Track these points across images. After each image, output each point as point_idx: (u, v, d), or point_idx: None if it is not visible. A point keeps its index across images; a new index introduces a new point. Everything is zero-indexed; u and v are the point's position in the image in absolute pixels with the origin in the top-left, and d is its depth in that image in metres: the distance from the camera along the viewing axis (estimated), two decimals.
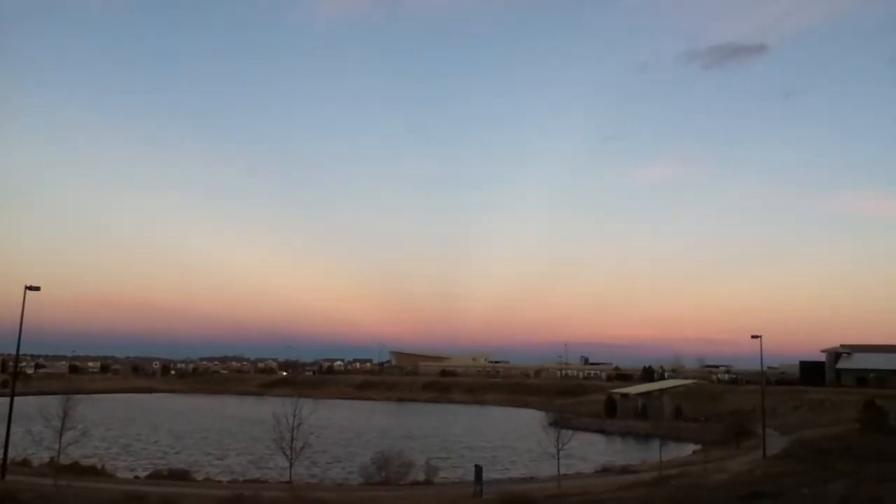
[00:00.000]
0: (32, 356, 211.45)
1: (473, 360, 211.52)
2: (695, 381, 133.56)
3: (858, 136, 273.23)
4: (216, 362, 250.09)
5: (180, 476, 45.77)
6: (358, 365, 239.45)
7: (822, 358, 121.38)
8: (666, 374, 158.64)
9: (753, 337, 57.08)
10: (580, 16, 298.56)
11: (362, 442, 73.43)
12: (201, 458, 61.03)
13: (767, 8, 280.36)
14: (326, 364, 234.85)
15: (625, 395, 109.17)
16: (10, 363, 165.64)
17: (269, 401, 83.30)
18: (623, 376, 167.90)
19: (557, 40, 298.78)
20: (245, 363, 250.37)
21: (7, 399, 42.81)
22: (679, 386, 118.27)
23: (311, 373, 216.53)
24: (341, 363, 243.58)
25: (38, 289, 40.47)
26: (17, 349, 45.01)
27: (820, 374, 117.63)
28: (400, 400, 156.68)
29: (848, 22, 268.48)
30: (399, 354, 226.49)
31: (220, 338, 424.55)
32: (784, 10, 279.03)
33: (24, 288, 40.27)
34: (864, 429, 58.51)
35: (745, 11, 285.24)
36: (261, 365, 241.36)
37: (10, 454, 41.25)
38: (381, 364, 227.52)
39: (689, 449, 66.29)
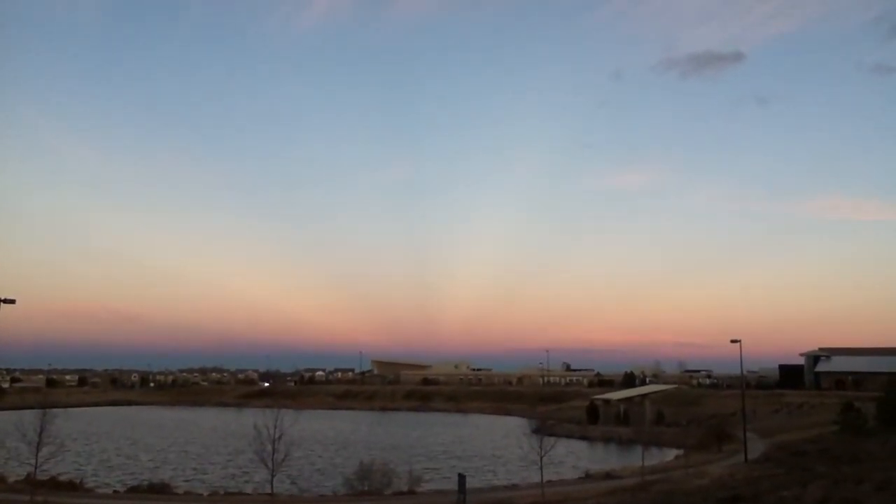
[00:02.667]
0: (8, 370, 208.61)
1: (455, 367, 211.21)
2: (675, 385, 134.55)
3: (833, 142, 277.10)
4: (196, 374, 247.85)
5: (160, 490, 45.32)
6: (339, 375, 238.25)
7: (801, 361, 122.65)
8: (647, 380, 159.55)
9: (733, 341, 57.48)
10: (556, 24, 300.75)
11: (344, 453, 73.04)
12: (181, 471, 60.37)
13: (744, 16, 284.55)
14: (307, 374, 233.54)
15: (607, 401, 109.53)
16: None
17: (249, 412, 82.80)
18: (604, 382, 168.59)
19: (533, 48, 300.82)
20: (225, 374, 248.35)
21: None
22: (660, 391, 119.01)
23: (292, 383, 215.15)
24: (322, 373, 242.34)
25: (13, 301, 39.76)
26: None
27: (799, 377, 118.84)
28: (381, 409, 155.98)
29: (823, 29, 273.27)
30: (380, 363, 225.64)
31: (200, 349, 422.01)
32: (761, 17, 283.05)
33: None
34: (842, 431, 59.08)
35: (722, 19, 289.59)
36: (241, 376, 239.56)
37: None
38: (363, 373, 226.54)
39: (671, 454, 66.63)
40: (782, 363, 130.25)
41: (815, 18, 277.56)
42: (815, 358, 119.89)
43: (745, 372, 67.34)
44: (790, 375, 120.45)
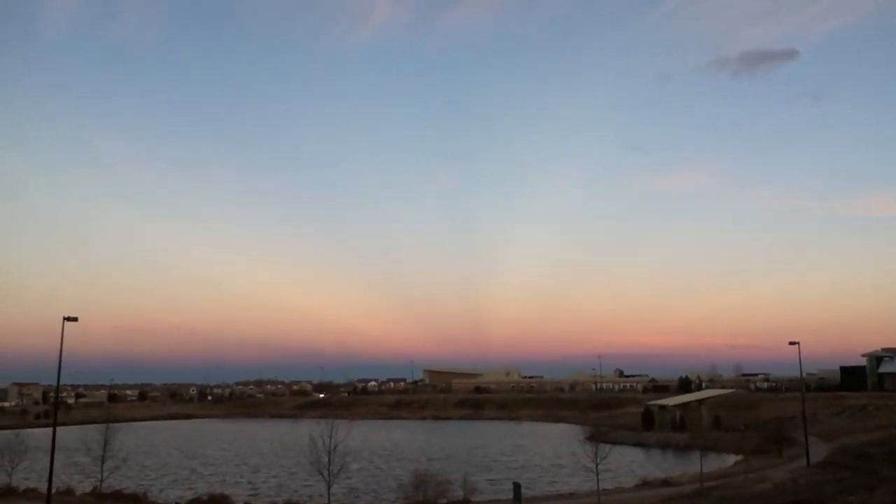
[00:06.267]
0: (72, 386, 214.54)
1: (506, 375, 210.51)
2: (732, 390, 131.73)
3: (888, 139, 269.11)
4: (251, 386, 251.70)
5: (219, 501, 46.11)
6: (391, 385, 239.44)
7: (863, 362, 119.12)
8: (703, 384, 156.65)
9: (791, 343, 56.23)
10: (605, 29, 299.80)
11: (399, 462, 73.37)
12: (239, 482, 61.41)
13: (799, 13, 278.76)
14: (360, 385, 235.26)
15: (662, 407, 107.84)
16: (52, 394, 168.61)
17: (304, 423, 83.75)
18: (659, 388, 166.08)
19: (581, 53, 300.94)
20: (280, 386, 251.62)
21: (50, 430, 43.57)
22: (717, 395, 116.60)
23: (346, 394, 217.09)
24: (375, 383, 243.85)
25: (75, 319, 41.11)
26: (58, 380, 45.75)
27: (861, 378, 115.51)
28: (434, 418, 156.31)
29: (878, 24, 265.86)
30: (431, 372, 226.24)
31: (255, 362, 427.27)
32: (816, 14, 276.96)
33: (62, 319, 41.06)
34: None
35: (776, 17, 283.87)
36: (295, 387, 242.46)
37: (54, 484, 41.90)
38: (415, 383, 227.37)
39: (729, 460, 65.35)
40: (843, 364, 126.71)
41: (871, 13, 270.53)
42: (877, 358, 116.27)
43: (804, 374, 65.64)
44: (852, 377, 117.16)
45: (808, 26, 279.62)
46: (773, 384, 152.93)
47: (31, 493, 45.57)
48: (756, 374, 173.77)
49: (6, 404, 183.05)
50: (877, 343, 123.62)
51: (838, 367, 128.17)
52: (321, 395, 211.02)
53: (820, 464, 51.19)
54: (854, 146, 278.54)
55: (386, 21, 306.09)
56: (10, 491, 42.33)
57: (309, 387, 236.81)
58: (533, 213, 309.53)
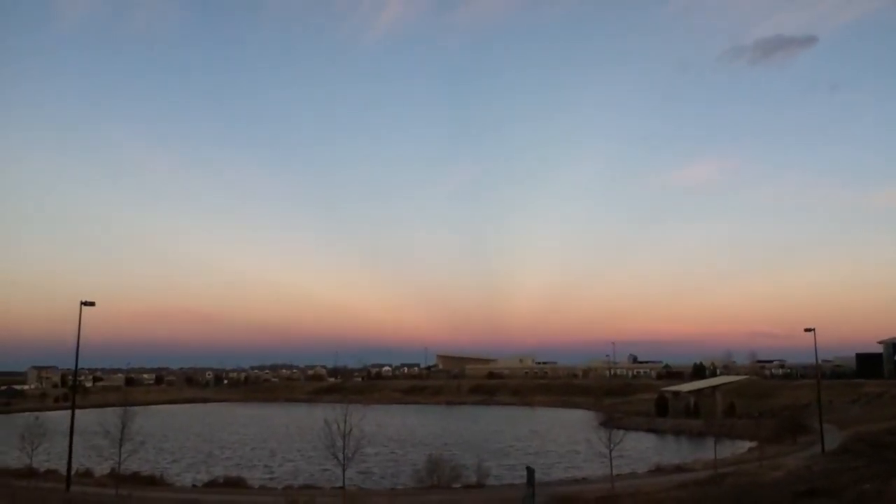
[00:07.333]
0: (90, 370, 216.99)
1: (520, 361, 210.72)
2: (747, 376, 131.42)
3: None
4: (267, 371, 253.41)
5: (235, 484, 46.66)
6: (405, 370, 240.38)
7: (880, 349, 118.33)
8: (717, 371, 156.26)
9: (807, 330, 56.00)
10: (621, 19, 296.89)
11: (412, 446, 73.83)
12: (256, 465, 62.04)
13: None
14: (374, 370, 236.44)
15: (676, 394, 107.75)
16: (70, 377, 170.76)
17: (319, 407, 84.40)
18: (673, 374, 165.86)
19: (597, 43, 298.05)
20: (295, 371, 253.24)
21: (69, 413, 44.18)
22: (731, 382, 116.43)
23: (360, 379, 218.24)
24: (389, 368, 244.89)
25: (93, 304, 41.61)
26: (76, 363, 46.36)
27: (877, 366, 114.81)
28: (447, 403, 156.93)
29: None
30: (445, 358, 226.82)
31: (270, 347, 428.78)
32: (837, 1, 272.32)
33: (79, 304, 41.53)
34: None
35: (795, 2, 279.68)
36: (310, 372, 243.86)
37: (74, 466, 42.54)
38: (428, 368, 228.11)
39: (743, 446, 65.24)
40: (859, 352, 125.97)
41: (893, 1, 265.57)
42: (894, 346, 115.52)
43: (819, 361, 65.33)
44: (868, 364, 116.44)
45: (829, 13, 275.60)
46: (789, 371, 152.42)
47: (51, 474, 46.24)
48: (771, 361, 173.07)
49: (26, 387, 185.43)
50: (894, 331, 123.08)
51: (854, 355, 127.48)
52: (336, 380, 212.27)
53: (835, 452, 51.05)
54: (871, 137, 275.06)
55: (400, 15, 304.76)
56: (31, 472, 42.98)
57: (323, 372, 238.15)
58: (548, 202, 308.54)
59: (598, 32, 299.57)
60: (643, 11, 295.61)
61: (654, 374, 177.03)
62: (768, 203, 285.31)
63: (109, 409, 46.31)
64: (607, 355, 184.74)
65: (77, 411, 44.44)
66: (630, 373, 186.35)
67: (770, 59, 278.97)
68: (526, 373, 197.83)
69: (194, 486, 47.40)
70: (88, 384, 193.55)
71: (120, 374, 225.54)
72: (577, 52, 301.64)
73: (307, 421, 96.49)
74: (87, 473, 48.42)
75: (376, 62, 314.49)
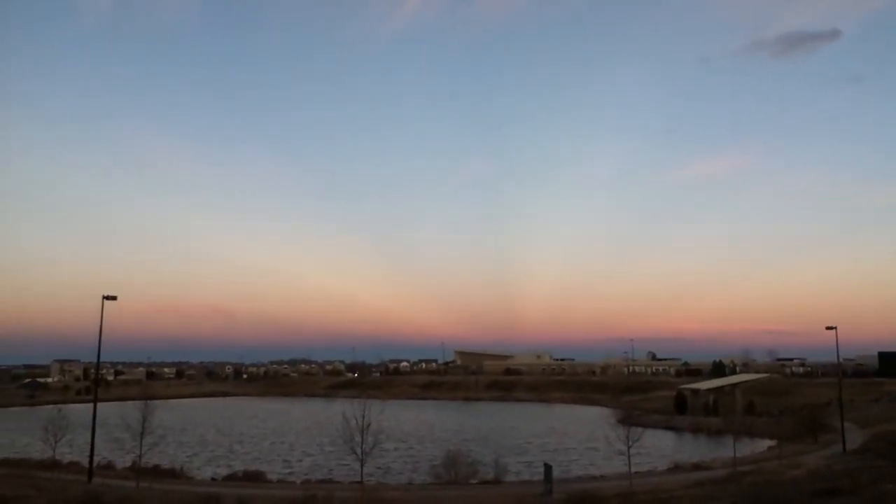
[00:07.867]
0: (111, 363, 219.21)
1: (537, 358, 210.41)
2: (767, 374, 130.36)
3: None
4: (285, 366, 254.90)
5: (254, 477, 47.03)
6: (423, 365, 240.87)
7: None
8: (737, 369, 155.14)
9: (828, 328, 55.41)
10: (642, 13, 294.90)
11: (430, 442, 73.99)
12: (274, 459, 62.48)
13: None
14: (392, 365, 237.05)
15: (695, 391, 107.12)
16: (92, 371, 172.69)
17: (337, 402, 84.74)
18: (692, 372, 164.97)
19: (618, 38, 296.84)
20: (313, 366, 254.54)
21: (90, 406, 44.71)
22: (751, 380, 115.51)
23: (378, 374, 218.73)
24: (406, 364, 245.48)
25: (114, 298, 42.08)
26: (98, 357, 46.91)
27: None
28: (465, 399, 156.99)
29: None
30: (463, 354, 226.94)
31: (290, 342, 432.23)
32: None
33: (101, 298, 42.00)
34: None
35: None
36: (328, 367, 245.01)
37: (95, 458, 43.07)
38: (446, 364, 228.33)
39: (763, 445, 64.76)
40: (882, 350, 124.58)
41: None
42: None
43: (841, 360, 64.62)
44: (890, 363, 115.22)
45: (852, 6, 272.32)
46: (809, 369, 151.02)
47: (73, 466, 46.91)
48: (791, 359, 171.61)
49: (49, 380, 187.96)
50: None
51: (876, 353, 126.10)
52: (354, 375, 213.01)
53: (856, 451, 50.55)
54: (893, 131, 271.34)
55: (415, 10, 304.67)
56: (54, 464, 43.65)
57: (342, 367, 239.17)
58: (566, 197, 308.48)
59: (616, 27, 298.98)
60: (665, 3, 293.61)
61: (672, 371, 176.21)
62: (789, 198, 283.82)
63: (130, 403, 46.95)
64: (625, 352, 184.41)
65: (99, 404, 44.96)
66: (648, 370, 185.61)
67: (792, 52, 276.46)
68: (543, 369, 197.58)
69: (214, 479, 47.79)
70: (110, 378, 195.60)
71: (141, 368, 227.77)
72: (595, 46, 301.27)
73: (325, 415, 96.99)
74: (109, 466, 49.04)
75: (390, 57, 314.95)
